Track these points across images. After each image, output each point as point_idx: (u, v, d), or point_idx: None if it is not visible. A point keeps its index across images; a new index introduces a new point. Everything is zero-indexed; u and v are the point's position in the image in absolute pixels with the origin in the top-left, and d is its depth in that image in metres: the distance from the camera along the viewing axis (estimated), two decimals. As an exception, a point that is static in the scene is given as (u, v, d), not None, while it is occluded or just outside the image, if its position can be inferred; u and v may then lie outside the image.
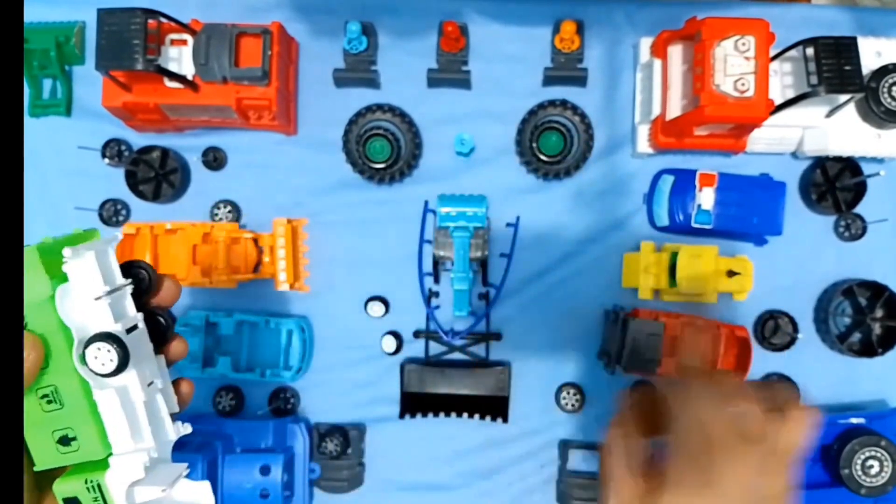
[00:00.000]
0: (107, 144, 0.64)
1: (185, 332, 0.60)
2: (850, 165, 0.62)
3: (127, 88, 0.58)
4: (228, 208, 0.64)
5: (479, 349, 0.63)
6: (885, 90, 0.57)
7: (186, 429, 0.38)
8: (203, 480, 0.36)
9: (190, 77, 0.57)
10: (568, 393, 0.63)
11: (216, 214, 0.64)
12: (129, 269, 0.37)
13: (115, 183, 0.64)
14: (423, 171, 0.64)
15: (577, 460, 0.63)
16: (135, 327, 0.36)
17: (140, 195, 0.64)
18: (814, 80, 0.54)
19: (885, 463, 0.56)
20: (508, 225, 0.63)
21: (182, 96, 0.58)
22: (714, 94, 0.53)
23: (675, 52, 0.59)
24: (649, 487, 0.41)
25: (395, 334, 0.64)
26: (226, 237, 0.61)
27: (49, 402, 0.34)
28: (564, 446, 0.63)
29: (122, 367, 0.33)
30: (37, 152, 0.64)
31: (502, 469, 0.63)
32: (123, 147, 0.64)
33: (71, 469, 0.36)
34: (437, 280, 0.62)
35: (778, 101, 0.55)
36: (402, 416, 0.62)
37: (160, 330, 0.38)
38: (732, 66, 0.53)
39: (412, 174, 0.64)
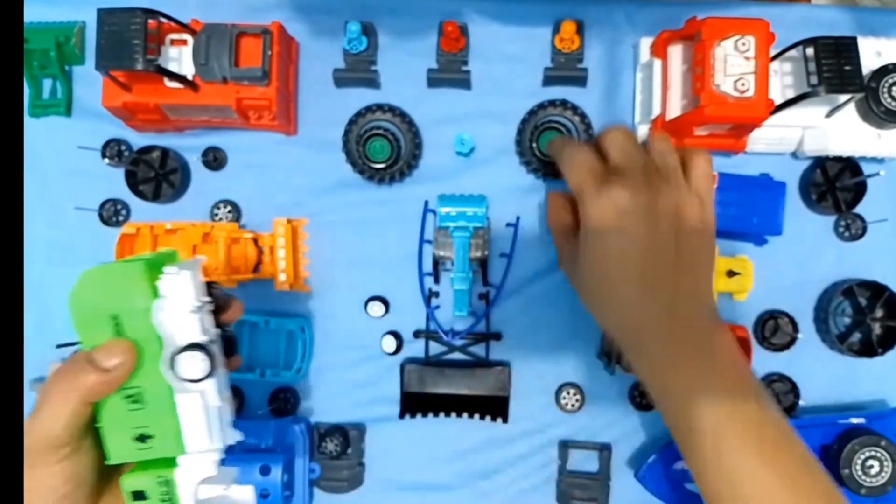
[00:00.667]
0: (107, 144, 0.64)
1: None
2: (850, 165, 0.62)
3: (127, 88, 0.58)
4: (228, 208, 0.64)
5: (479, 349, 0.63)
6: (885, 90, 0.58)
7: (239, 435, 0.42)
8: (248, 485, 0.40)
9: (190, 77, 0.57)
10: (568, 393, 0.63)
11: (216, 214, 0.64)
12: (207, 288, 0.41)
13: (115, 183, 0.64)
14: (423, 171, 0.64)
15: (577, 460, 0.63)
16: (213, 340, 0.40)
17: (140, 195, 0.64)
18: (814, 80, 0.54)
19: (885, 463, 0.57)
20: (508, 225, 0.63)
21: (182, 96, 0.58)
22: (714, 94, 0.53)
23: (675, 52, 0.59)
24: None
25: (395, 334, 0.64)
26: (226, 237, 0.61)
27: (133, 401, 0.38)
28: (564, 446, 0.63)
29: (210, 374, 0.38)
30: (37, 152, 0.64)
31: (502, 469, 0.64)
32: (123, 147, 0.64)
33: (137, 466, 0.39)
34: (437, 280, 0.62)
35: (778, 101, 0.55)
36: (402, 416, 0.62)
37: (228, 344, 0.43)
38: (732, 66, 0.53)
39: (412, 174, 0.64)
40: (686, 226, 0.49)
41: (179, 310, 0.38)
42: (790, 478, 0.45)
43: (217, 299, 0.42)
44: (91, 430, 0.38)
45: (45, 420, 0.36)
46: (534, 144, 0.62)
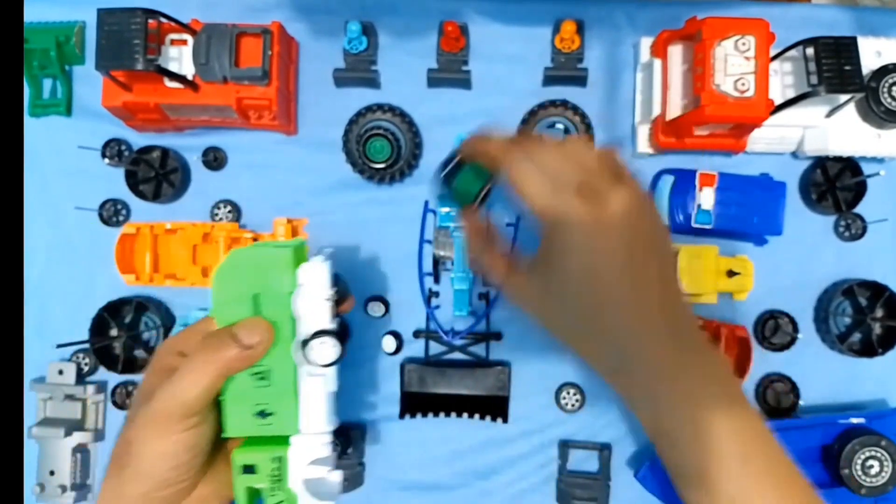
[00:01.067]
0: (107, 144, 0.64)
1: (185, 332, 0.61)
2: (850, 165, 0.62)
3: (127, 88, 0.58)
4: (228, 208, 0.64)
5: (479, 349, 0.63)
6: (885, 90, 0.58)
7: (338, 422, 0.43)
8: (338, 471, 0.42)
9: (190, 77, 0.57)
10: (568, 393, 0.63)
11: (216, 214, 0.64)
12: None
13: (115, 183, 0.64)
14: (423, 171, 0.64)
15: (577, 460, 0.63)
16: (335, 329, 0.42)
17: (140, 195, 0.64)
18: (814, 80, 0.54)
19: (885, 463, 0.56)
20: (508, 225, 0.63)
21: (182, 96, 0.58)
22: (714, 94, 0.53)
23: (675, 52, 0.59)
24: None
25: (395, 334, 0.64)
26: (226, 237, 0.61)
27: (260, 378, 0.39)
28: (564, 446, 0.63)
29: (339, 359, 0.40)
30: (37, 152, 0.64)
31: (502, 469, 0.63)
32: (123, 147, 0.64)
33: (247, 441, 0.41)
34: (437, 280, 0.62)
35: (778, 101, 0.55)
36: (402, 416, 0.62)
37: (344, 334, 0.44)
38: (732, 66, 0.53)
39: (412, 174, 0.64)
40: (649, 231, 0.42)
41: (315, 297, 0.40)
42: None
43: (340, 291, 0.43)
44: (216, 402, 0.39)
45: (183, 389, 0.37)
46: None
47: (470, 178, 0.46)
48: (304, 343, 0.39)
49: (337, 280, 0.43)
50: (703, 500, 0.42)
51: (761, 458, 0.41)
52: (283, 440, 0.41)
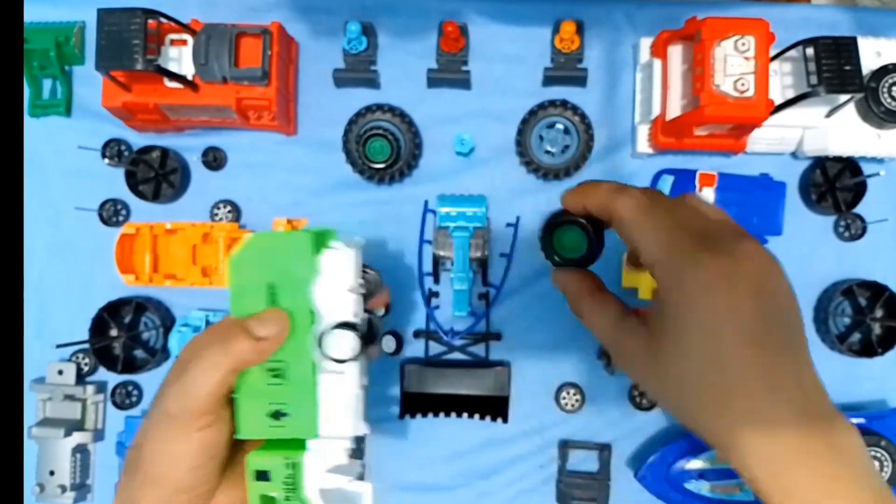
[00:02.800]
0: (107, 144, 0.64)
1: (185, 333, 0.61)
2: (850, 165, 0.62)
3: (127, 88, 0.58)
4: (228, 208, 0.64)
5: (478, 349, 0.63)
6: (885, 90, 0.58)
7: (367, 428, 0.39)
8: (367, 482, 0.37)
9: (190, 77, 0.57)
10: (568, 393, 0.63)
11: (216, 214, 0.64)
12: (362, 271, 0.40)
13: (115, 183, 0.64)
14: (423, 171, 0.64)
15: (576, 460, 0.63)
16: (361, 324, 0.38)
17: (140, 195, 0.64)
18: (814, 80, 0.54)
19: (885, 463, 0.57)
20: (508, 225, 0.63)
21: (182, 96, 0.58)
22: (714, 94, 0.53)
23: (675, 52, 0.59)
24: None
25: (395, 334, 0.64)
26: (226, 237, 0.61)
27: (275, 375, 0.36)
28: (564, 446, 0.63)
29: (358, 355, 0.36)
30: (37, 152, 0.64)
31: (502, 469, 0.63)
32: (123, 147, 0.64)
33: (265, 444, 0.37)
34: (437, 280, 0.62)
35: (778, 101, 0.55)
36: (402, 416, 0.62)
37: (372, 331, 0.41)
38: (732, 66, 0.53)
39: (412, 174, 0.64)
40: (781, 293, 0.38)
41: (338, 287, 0.37)
42: None
43: (370, 283, 0.40)
44: (230, 400, 0.37)
45: (192, 386, 0.34)
46: (532, 145, 0.62)
47: (577, 236, 0.42)
48: (322, 336, 0.36)
49: (367, 272, 0.40)
50: None
51: None
52: (301, 444, 0.37)
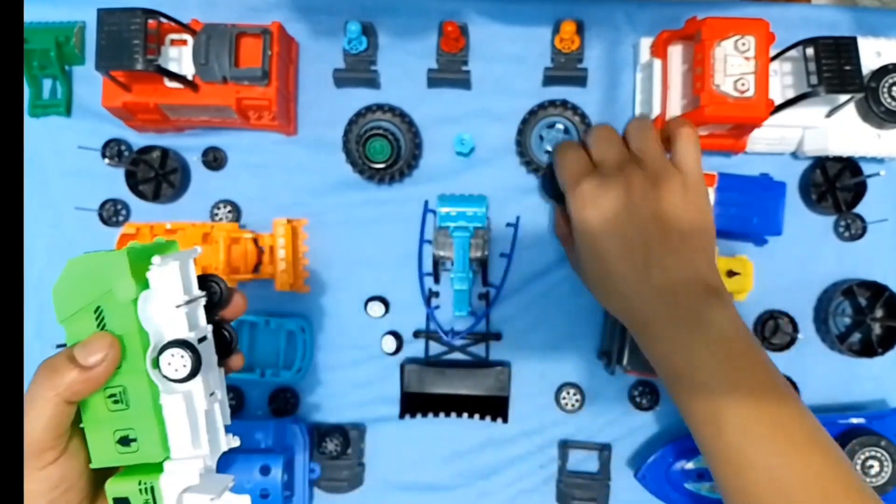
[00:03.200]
0: (107, 144, 0.64)
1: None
2: (850, 165, 0.62)
3: (127, 88, 0.58)
4: (228, 208, 0.64)
5: (479, 349, 0.63)
6: (885, 90, 0.58)
7: (235, 441, 0.39)
8: (244, 494, 0.37)
9: (190, 77, 0.57)
10: (568, 393, 0.63)
11: (216, 214, 0.64)
12: (203, 281, 0.39)
13: (115, 183, 0.64)
14: (423, 171, 0.64)
15: (576, 460, 0.63)
16: (204, 338, 0.37)
17: (140, 195, 0.64)
18: (814, 80, 0.54)
19: (885, 463, 0.57)
20: (508, 225, 0.63)
21: (182, 96, 0.58)
22: (714, 94, 0.53)
23: (675, 52, 0.59)
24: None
25: (395, 334, 0.64)
26: (226, 237, 0.61)
27: (115, 401, 0.35)
28: (564, 446, 0.63)
29: (193, 374, 0.35)
30: (37, 152, 0.64)
31: (502, 469, 0.64)
32: (123, 147, 0.64)
33: (124, 470, 0.37)
34: (437, 280, 0.62)
35: (778, 101, 0.55)
36: (402, 416, 0.62)
37: (225, 342, 0.40)
38: (732, 66, 0.53)
39: (412, 174, 0.64)
40: (667, 205, 0.48)
41: (166, 304, 0.35)
42: (826, 470, 0.44)
43: (215, 294, 0.39)
44: (79, 430, 0.36)
45: (28, 424, 0.34)
46: (533, 147, 0.62)
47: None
48: (155, 358, 0.35)
49: (209, 281, 0.39)
50: (688, 398, 0.48)
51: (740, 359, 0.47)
52: (158, 467, 0.37)
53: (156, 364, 0.35)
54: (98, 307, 0.35)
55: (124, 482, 0.36)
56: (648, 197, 0.48)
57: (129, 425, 0.36)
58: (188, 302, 0.36)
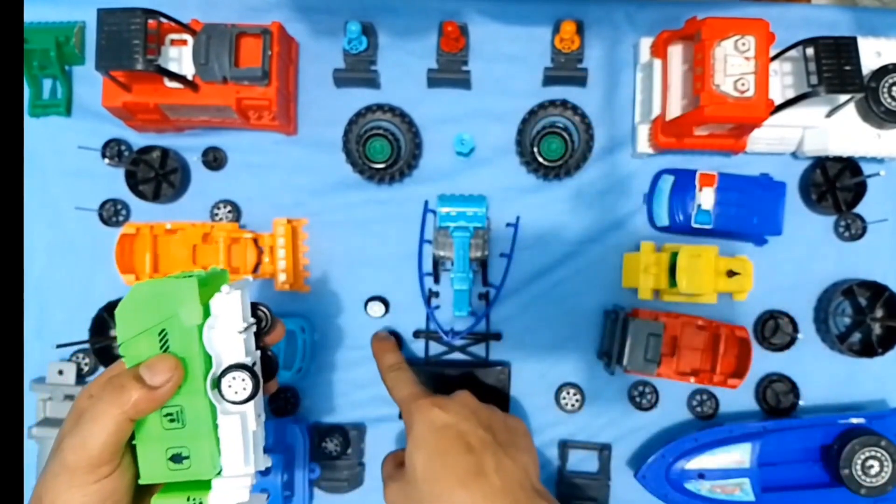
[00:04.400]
0: (107, 144, 0.64)
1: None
2: (850, 165, 0.62)
3: (127, 88, 0.58)
4: (228, 208, 0.64)
5: (479, 349, 0.63)
6: (885, 90, 0.58)
7: (269, 461, 0.41)
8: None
9: (190, 77, 0.57)
10: (568, 393, 0.63)
11: (216, 214, 0.64)
12: (252, 310, 0.41)
13: (115, 183, 0.64)
14: (423, 171, 0.64)
15: (576, 460, 0.63)
16: (255, 362, 0.39)
17: (140, 195, 0.64)
18: (814, 80, 0.54)
19: (885, 463, 0.56)
20: (508, 225, 0.63)
21: (182, 96, 0.58)
22: (714, 94, 0.53)
23: (675, 52, 0.59)
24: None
25: (395, 334, 0.64)
26: (226, 237, 0.61)
27: (171, 420, 0.37)
28: (564, 446, 0.63)
29: (253, 396, 0.37)
30: (37, 152, 0.64)
31: (502, 469, 0.63)
32: (123, 147, 0.64)
33: (167, 486, 0.38)
34: (437, 280, 0.62)
35: (778, 101, 0.55)
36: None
37: (270, 367, 0.42)
38: (732, 66, 0.53)
39: (412, 174, 0.64)
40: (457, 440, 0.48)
41: (228, 330, 0.37)
42: None
43: (263, 321, 0.41)
44: (130, 447, 0.37)
45: (88, 438, 0.35)
46: (535, 149, 0.62)
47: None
48: (217, 380, 0.37)
49: (257, 310, 0.41)
50: None
51: None
52: (206, 484, 0.38)
53: (215, 385, 0.37)
54: (163, 330, 0.36)
55: (172, 497, 0.37)
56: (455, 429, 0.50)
57: (182, 443, 0.37)
58: (247, 328, 0.38)
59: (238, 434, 0.37)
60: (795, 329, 0.63)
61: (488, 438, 0.47)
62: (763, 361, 0.63)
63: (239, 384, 0.37)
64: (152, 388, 0.35)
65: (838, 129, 0.59)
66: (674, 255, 0.59)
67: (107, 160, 0.64)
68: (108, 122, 0.63)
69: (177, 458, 0.37)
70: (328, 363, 0.64)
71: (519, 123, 0.63)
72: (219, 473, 0.38)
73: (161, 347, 0.37)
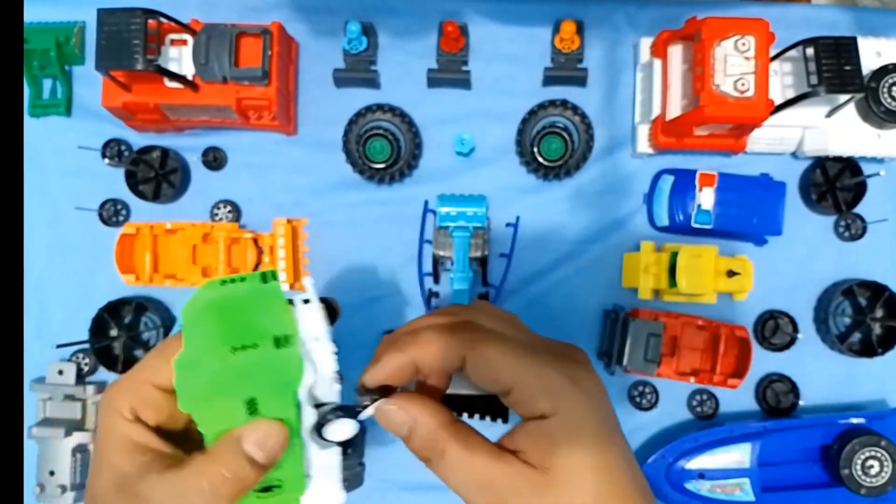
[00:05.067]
0: (107, 144, 0.64)
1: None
2: (850, 165, 0.62)
3: (127, 88, 0.58)
4: (228, 208, 0.64)
5: (479, 349, 0.63)
6: (885, 90, 0.58)
7: (345, 495, 0.37)
8: None
9: (190, 77, 0.57)
10: (568, 393, 0.63)
11: (216, 214, 0.64)
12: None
13: (115, 183, 0.64)
14: (423, 171, 0.64)
15: (577, 460, 0.63)
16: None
17: (140, 195, 0.64)
18: (814, 80, 0.54)
19: (885, 463, 0.56)
20: (508, 225, 0.63)
21: (182, 96, 0.58)
22: (714, 94, 0.53)
23: (675, 52, 0.59)
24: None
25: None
26: (226, 237, 0.61)
27: (262, 489, 0.33)
28: (564, 446, 0.63)
29: (355, 433, 0.33)
30: (37, 152, 0.64)
31: (502, 469, 0.63)
32: (123, 147, 0.64)
33: None
34: (437, 280, 0.62)
35: (778, 101, 0.55)
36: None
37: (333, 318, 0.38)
38: (732, 66, 0.53)
39: (412, 174, 0.64)
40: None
41: (321, 352, 0.34)
42: None
43: (334, 318, 0.37)
44: None
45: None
46: (535, 149, 0.62)
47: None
48: (320, 426, 0.33)
49: (330, 307, 0.37)
50: None
51: None
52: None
53: (316, 430, 0.33)
54: (252, 398, 0.31)
55: None
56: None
57: (276, 476, 0.33)
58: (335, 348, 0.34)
59: (325, 466, 0.34)
60: (795, 329, 0.63)
61: None
62: (763, 361, 0.63)
63: (345, 428, 0.33)
64: (263, 466, 0.31)
65: (838, 129, 0.59)
66: (674, 256, 0.59)
67: (107, 160, 0.64)
68: (108, 122, 0.63)
69: (266, 489, 0.33)
70: (328, 363, 0.64)
71: (519, 123, 0.63)
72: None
73: (249, 413, 0.31)
